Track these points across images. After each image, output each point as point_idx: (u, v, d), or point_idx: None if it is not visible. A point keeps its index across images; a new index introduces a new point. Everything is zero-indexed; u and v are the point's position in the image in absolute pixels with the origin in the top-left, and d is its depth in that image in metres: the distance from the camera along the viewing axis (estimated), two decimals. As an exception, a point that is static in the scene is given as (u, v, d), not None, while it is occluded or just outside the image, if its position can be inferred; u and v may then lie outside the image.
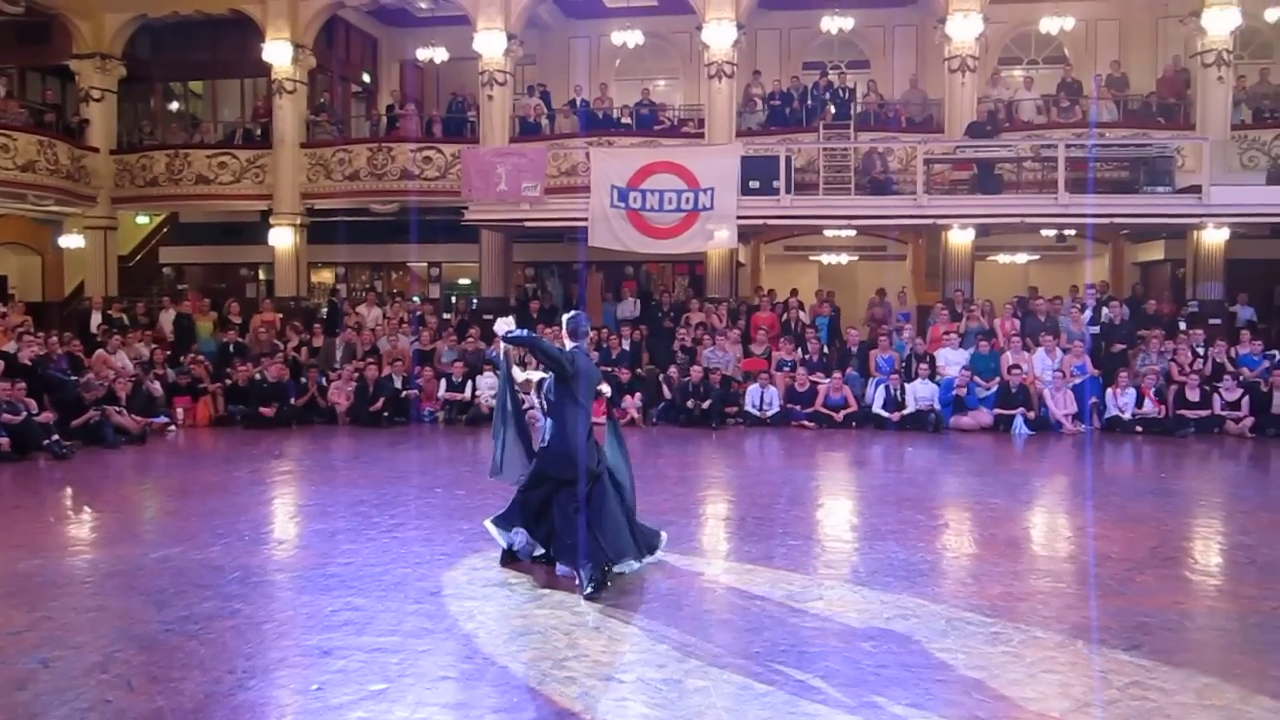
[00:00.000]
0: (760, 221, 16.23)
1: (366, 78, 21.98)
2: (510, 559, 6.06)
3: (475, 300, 18.33)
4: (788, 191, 15.40)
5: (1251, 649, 4.76)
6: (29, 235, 21.07)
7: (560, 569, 5.83)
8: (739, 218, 15.45)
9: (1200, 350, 13.79)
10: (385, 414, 13.36)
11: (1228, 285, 15.87)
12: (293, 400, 13.57)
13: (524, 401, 6.49)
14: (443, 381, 14.04)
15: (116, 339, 14.10)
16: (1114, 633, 4.86)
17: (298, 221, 18.77)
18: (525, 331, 6.06)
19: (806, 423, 13.24)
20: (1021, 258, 19.32)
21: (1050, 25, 17.77)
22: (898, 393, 13.27)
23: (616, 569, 5.73)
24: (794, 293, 16.27)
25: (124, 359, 13.57)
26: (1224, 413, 12.77)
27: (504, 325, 5.93)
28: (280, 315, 16.53)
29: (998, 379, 13.33)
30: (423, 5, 19.35)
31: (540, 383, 6.11)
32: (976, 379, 13.41)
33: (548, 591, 5.55)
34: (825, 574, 6.00)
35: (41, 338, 13.21)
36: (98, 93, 19.21)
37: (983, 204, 15.36)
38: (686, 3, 17.31)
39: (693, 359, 14.07)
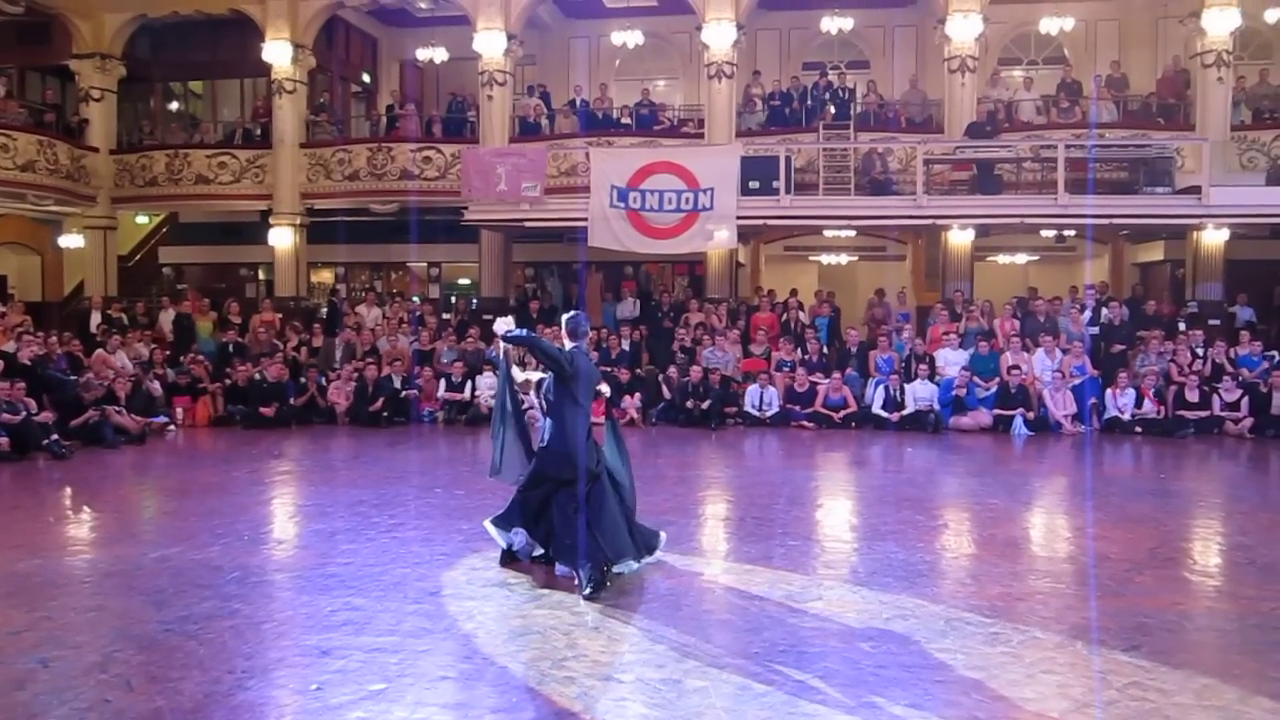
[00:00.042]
0: (760, 222, 16.24)
1: (366, 78, 21.98)
2: (509, 559, 6.06)
3: (475, 300, 18.33)
4: (787, 192, 15.40)
5: (1250, 650, 4.76)
6: (29, 235, 21.07)
7: (559, 569, 5.82)
8: (739, 218, 15.46)
9: (1200, 351, 13.79)
10: (385, 414, 13.36)
11: (1227, 286, 15.87)
12: (292, 400, 13.56)
13: (523, 401, 6.49)
14: (442, 381, 14.04)
15: (116, 339, 14.09)
16: (1113, 633, 4.86)
17: (297, 221, 18.77)
18: (525, 331, 6.06)
19: (806, 423, 13.24)
20: (1021, 258, 19.32)
21: (1050, 26, 17.78)
22: (897, 393, 13.27)
23: (615, 569, 5.73)
24: (794, 293, 16.27)
25: (123, 359, 13.57)
26: (1223, 413, 12.77)
27: (503, 325, 5.94)
28: (280, 315, 16.53)
29: (997, 379, 13.34)
30: (423, 5, 19.35)
31: (540, 383, 6.11)
32: (976, 379, 13.41)
33: (547, 591, 5.55)
34: (824, 574, 6.00)
35: (41, 337, 13.21)
36: (97, 93, 19.20)
37: (982, 204, 15.36)
38: (686, 3, 17.31)
39: (692, 359, 14.07)
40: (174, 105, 21.91)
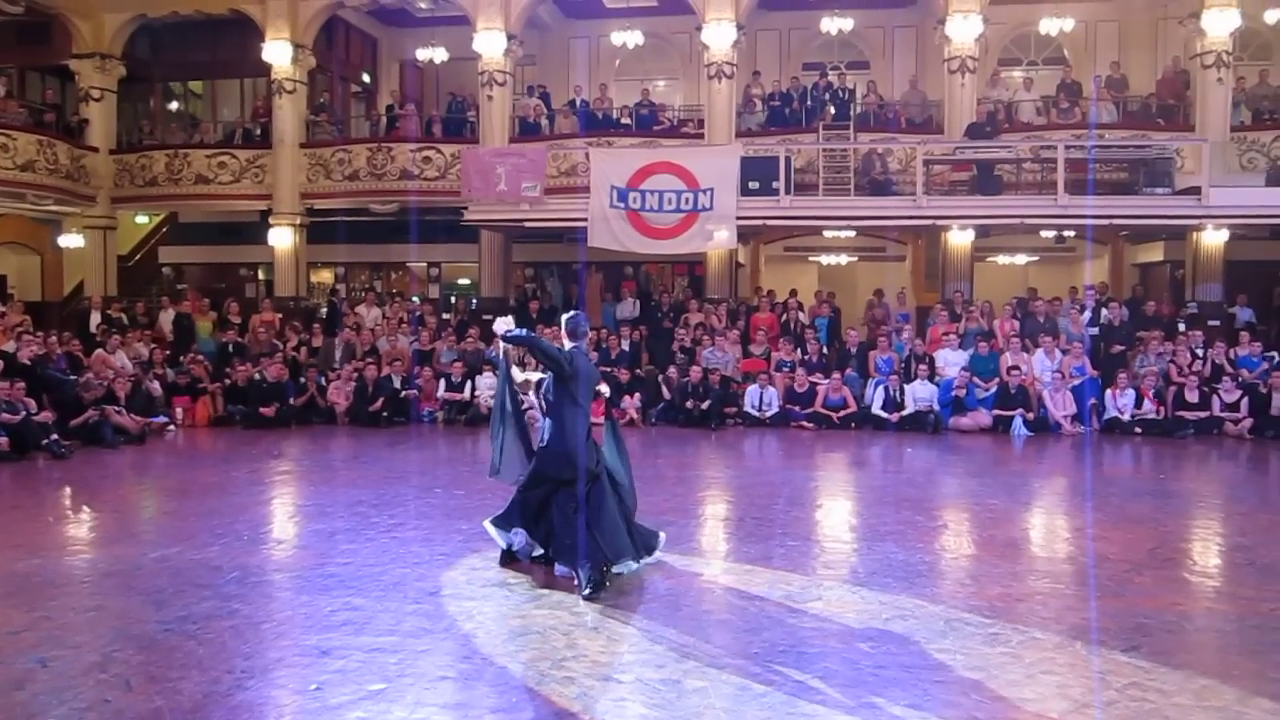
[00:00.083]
0: (760, 222, 16.24)
1: (366, 78, 21.98)
2: (509, 559, 6.06)
3: (474, 300, 18.34)
4: (787, 192, 15.40)
5: (1250, 650, 4.76)
6: (28, 235, 21.07)
7: (559, 569, 5.83)
8: (738, 218, 15.46)
9: (1199, 351, 13.79)
10: (384, 414, 13.36)
11: (1227, 286, 15.87)
12: (292, 400, 13.56)
13: (523, 402, 6.49)
14: (442, 381, 14.04)
15: (116, 339, 14.09)
16: (1112, 634, 4.86)
17: (297, 221, 18.77)
18: (524, 331, 6.07)
19: (805, 423, 13.24)
20: (1021, 259, 19.32)
21: (1050, 26, 17.78)
22: (897, 394, 13.27)
23: (615, 569, 5.73)
24: (793, 293, 16.28)
25: (123, 359, 13.57)
26: (1223, 414, 12.77)
27: (503, 325, 5.94)
28: (279, 315, 16.53)
29: (997, 380, 13.34)
30: (422, 5, 19.35)
31: (539, 383, 6.11)
32: (976, 380, 13.41)
33: (546, 592, 5.56)
34: (824, 574, 6.01)
35: (41, 337, 13.20)
36: (97, 92, 19.20)
37: (982, 205, 15.36)
38: (686, 3, 17.31)
39: (692, 359, 14.07)
40: (174, 105, 21.92)
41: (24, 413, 10.81)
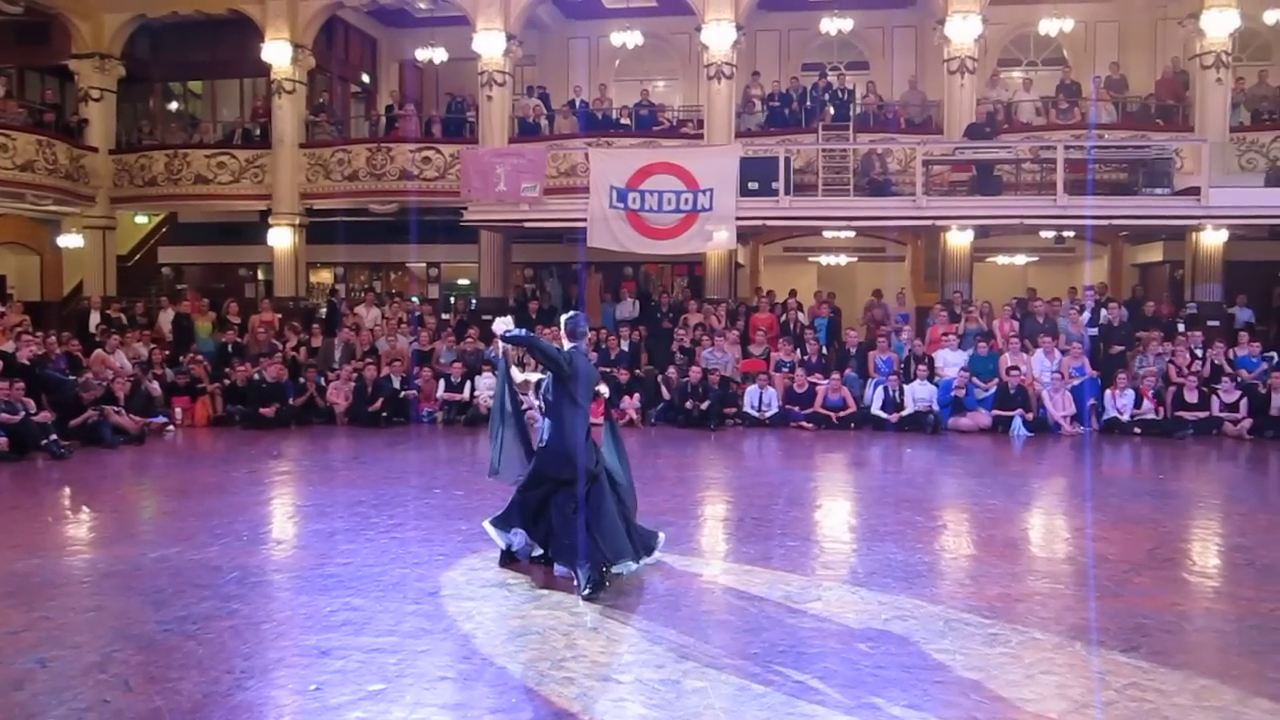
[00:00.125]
0: (759, 222, 16.24)
1: (366, 78, 21.97)
2: (508, 559, 6.06)
3: (474, 300, 18.34)
4: (787, 192, 15.41)
5: (1249, 650, 4.76)
6: (28, 235, 21.06)
7: (558, 570, 5.83)
8: (738, 219, 15.46)
9: (1199, 352, 13.80)
10: (384, 414, 13.36)
11: (1226, 287, 15.88)
12: (291, 400, 13.56)
13: (522, 402, 6.49)
14: (441, 382, 14.03)
15: (115, 339, 14.09)
16: (1112, 634, 4.86)
17: (296, 221, 18.76)
18: (524, 331, 6.07)
19: (805, 424, 13.24)
20: (1020, 259, 19.33)
21: (1049, 27, 17.78)
22: (896, 394, 13.28)
23: (614, 570, 5.73)
24: (793, 294, 16.28)
25: (122, 359, 13.57)
26: (1222, 414, 12.77)
27: (502, 325, 5.95)
28: (279, 315, 16.53)
29: (996, 380, 13.34)
30: (422, 5, 19.35)
31: (538, 383, 6.12)
32: (975, 380, 13.41)
33: (546, 592, 5.56)
34: (823, 575, 6.01)
35: (40, 337, 13.20)
36: (97, 93, 19.20)
37: (981, 205, 15.37)
38: (686, 3, 17.31)
39: (691, 360, 14.07)
40: (173, 105, 21.91)
41: (23, 413, 10.81)
